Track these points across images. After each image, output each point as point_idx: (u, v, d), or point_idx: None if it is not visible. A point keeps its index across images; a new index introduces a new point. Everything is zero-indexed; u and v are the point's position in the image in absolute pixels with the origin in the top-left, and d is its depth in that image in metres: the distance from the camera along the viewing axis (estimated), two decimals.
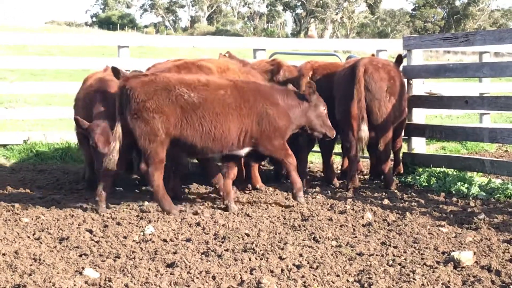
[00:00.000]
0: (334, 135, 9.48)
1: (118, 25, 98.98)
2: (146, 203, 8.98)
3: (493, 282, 5.71)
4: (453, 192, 9.76)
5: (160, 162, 8.36)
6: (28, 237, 7.24)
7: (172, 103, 8.31)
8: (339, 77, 10.06)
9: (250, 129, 8.68)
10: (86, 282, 5.68)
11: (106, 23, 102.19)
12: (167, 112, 8.30)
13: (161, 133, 8.29)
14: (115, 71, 9.13)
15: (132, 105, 8.24)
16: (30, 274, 5.87)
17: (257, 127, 8.69)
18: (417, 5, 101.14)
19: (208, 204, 9.03)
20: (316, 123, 9.16)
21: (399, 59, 10.73)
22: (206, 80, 8.63)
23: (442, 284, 5.65)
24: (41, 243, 6.97)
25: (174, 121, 8.36)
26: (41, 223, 7.86)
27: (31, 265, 6.17)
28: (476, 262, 6.28)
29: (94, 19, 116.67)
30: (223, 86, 8.66)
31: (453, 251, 6.54)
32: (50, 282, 5.64)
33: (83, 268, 6.06)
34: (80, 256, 6.53)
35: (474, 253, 6.50)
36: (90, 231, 7.45)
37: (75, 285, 5.59)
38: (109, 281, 5.70)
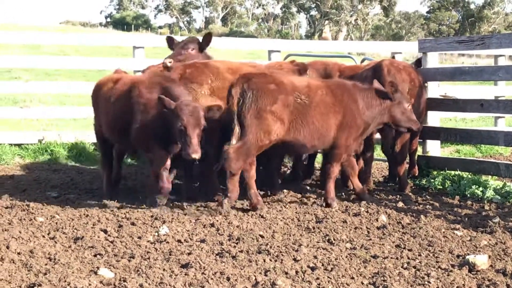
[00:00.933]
0: (420, 128, 9.66)
1: (133, 25, 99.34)
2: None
3: (508, 286, 5.70)
4: (468, 195, 9.74)
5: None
6: (43, 236, 7.26)
7: (288, 107, 8.59)
8: (361, 78, 10.05)
9: (339, 126, 8.96)
10: (101, 282, 5.70)
11: (120, 24, 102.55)
12: (284, 117, 8.58)
13: (273, 135, 8.58)
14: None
15: (256, 105, 8.43)
16: (45, 273, 5.89)
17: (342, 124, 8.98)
18: (432, 7, 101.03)
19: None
20: (401, 119, 9.26)
21: (418, 62, 10.76)
22: (307, 82, 8.97)
23: (457, 287, 5.63)
24: (56, 242, 6.98)
25: (288, 126, 8.66)
26: (56, 223, 7.88)
27: (46, 264, 6.19)
28: (491, 265, 6.26)
29: (108, 19, 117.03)
30: (320, 87, 8.94)
31: (468, 254, 6.52)
32: (65, 281, 5.66)
33: (98, 268, 6.08)
34: (95, 256, 6.55)
35: (489, 256, 6.47)
36: (105, 231, 7.47)
37: (90, 284, 5.60)
38: (124, 281, 5.71)
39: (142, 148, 8.89)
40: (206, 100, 9.05)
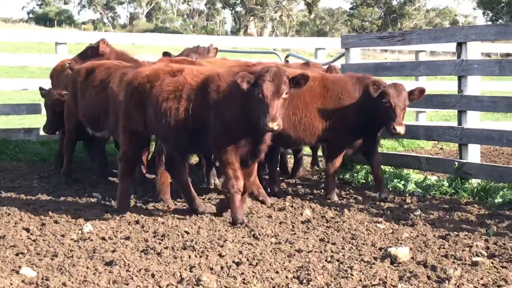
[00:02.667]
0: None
1: (56, 21, 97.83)
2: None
3: (429, 277, 5.80)
4: (390, 189, 9.88)
5: None
6: None
7: None
8: None
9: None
10: (23, 281, 5.61)
11: (43, 20, 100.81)
12: None
13: None
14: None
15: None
16: None
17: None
18: (354, 4, 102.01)
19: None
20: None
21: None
22: None
23: (379, 279, 5.71)
24: None
25: None
26: None
27: None
28: (412, 257, 6.37)
29: (31, 15, 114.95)
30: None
31: (390, 247, 6.62)
32: None
33: (19, 267, 5.98)
34: (17, 255, 6.44)
35: (411, 249, 6.59)
36: (27, 230, 7.36)
37: (11, 284, 5.51)
38: (47, 280, 5.64)
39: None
40: None
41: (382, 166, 10.54)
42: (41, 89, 11.02)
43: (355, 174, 10.66)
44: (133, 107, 8.23)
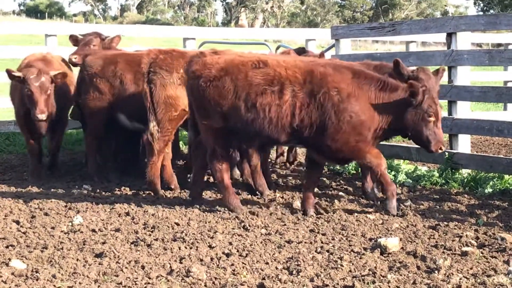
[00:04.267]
0: None
1: (46, 13, 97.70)
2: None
3: (418, 267, 5.82)
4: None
5: None
6: None
7: None
8: None
9: None
10: (12, 274, 5.60)
11: (34, 12, 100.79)
12: None
13: None
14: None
15: None
16: None
17: None
18: None
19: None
20: None
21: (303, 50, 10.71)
22: None
23: (369, 270, 5.72)
24: None
25: None
26: None
27: None
28: (402, 248, 6.39)
29: (22, 7, 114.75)
30: None
31: (380, 237, 6.64)
32: None
33: (9, 259, 5.97)
34: (7, 247, 6.42)
35: (400, 239, 6.61)
36: (17, 222, 7.34)
37: (1, 276, 5.49)
38: (36, 272, 5.63)
39: None
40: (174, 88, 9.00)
41: None
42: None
43: (346, 165, 10.65)
44: (209, 102, 7.77)
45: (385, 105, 7.66)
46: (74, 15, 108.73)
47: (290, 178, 10.24)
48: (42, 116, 9.24)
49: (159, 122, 8.93)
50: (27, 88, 9.29)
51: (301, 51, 10.75)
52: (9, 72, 9.53)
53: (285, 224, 7.33)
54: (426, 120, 7.62)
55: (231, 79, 7.67)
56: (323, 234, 6.91)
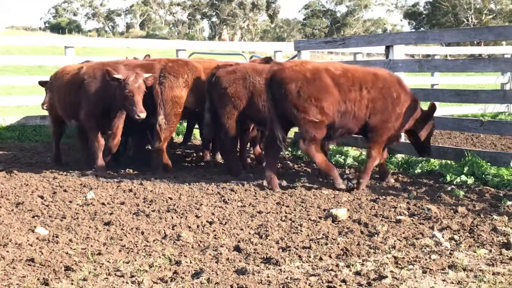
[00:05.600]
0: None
1: (67, 29, 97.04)
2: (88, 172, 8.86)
3: (362, 232, 5.83)
4: (333, 162, 9.89)
5: None
6: None
7: None
8: None
9: None
10: (37, 238, 5.57)
11: (56, 28, 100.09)
12: None
13: None
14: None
15: None
16: None
17: None
18: (307, 15, 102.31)
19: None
20: None
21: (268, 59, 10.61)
22: None
23: (323, 234, 5.73)
24: (0, 207, 6.76)
25: None
26: (1, 191, 7.62)
27: None
28: (349, 217, 6.40)
29: (46, 24, 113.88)
30: None
31: (332, 208, 6.65)
32: (7, 238, 5.51)
33: (35, 227, 5.94)
34: (33, 217, 6.38)
35: (348, 209, 6.63)
36: (42, 197, 7.28)
37: (28, 240, 5.46)
38: (56, 237, 5.60)
39: None
40: (180, 89, 8.98)
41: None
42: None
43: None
44: (304, 100, 7.58)
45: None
46: (89, 31, 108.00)
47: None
48: (143, 115, 8.43)
49: (167, 116, 8.94)
50: (127, 90, 8.44)
51: (268, 60, 10.70)
52: (109, 72, 8.55)
53: (256, 198, 7.32)
54: None
55: (321, 81, 7.63)
56: (287, 206, 6.91)
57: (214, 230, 5.85)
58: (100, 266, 4.81)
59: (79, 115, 9.04)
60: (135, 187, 7.90)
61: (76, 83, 9.05)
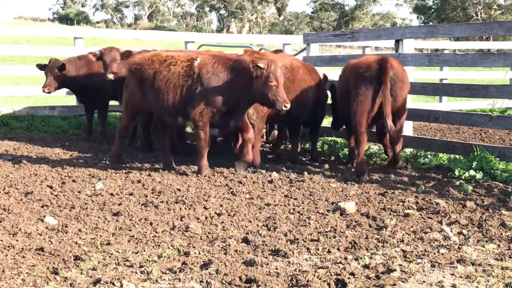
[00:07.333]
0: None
1: (75, 21, 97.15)
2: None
3: (370, 225, 5.84)
4: (341, 156, 9.90)
5: None
6: None
7: None
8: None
9: None
10: (46, 228, 5.60)
11: (65, 19, 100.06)
12: None
13: None
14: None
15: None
16: (0, 222, 5.73)
17: None
18: (315, 9, 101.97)
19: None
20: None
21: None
22: None
23: (331, 227, 5.74)
24: (9, 196, 6.79)
25: None
26: (10, 180, 7.65)
27: (1, 214, 6.02)
28: (357, 210, 6.41)
29: (55, 15, 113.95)
30: None
31: (340, 201, 6.65)
32: (17, 227, 5.53)
33: (44, 216, 5.96)
34: (42, 207, 6.40)
35: (356, 203, 6.63)
36: (51, 187, 7.30)
37: (37, 229, 5.49)
38: (66, 226, 5.62)
39: None
40: None
41: (335, 138, 10.59)
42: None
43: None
44: (366, 91, 8.14)
45: None
46: (97, 22, 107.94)
47: (269, 154, 10.21)
48: (288, 106, 7.70)
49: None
50: (271, 81, 7.63)
51: (278, 52, 10.66)
52: (254, 63, 7.74)
53: (265, 191, 7.32)
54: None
55: (380, 72, 8.13)
56: (295, 199, 6.91)
57: (222, 222, 5.87)
58: (109, 256, 4.83)
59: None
60: (143, 178, 7.92)
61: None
